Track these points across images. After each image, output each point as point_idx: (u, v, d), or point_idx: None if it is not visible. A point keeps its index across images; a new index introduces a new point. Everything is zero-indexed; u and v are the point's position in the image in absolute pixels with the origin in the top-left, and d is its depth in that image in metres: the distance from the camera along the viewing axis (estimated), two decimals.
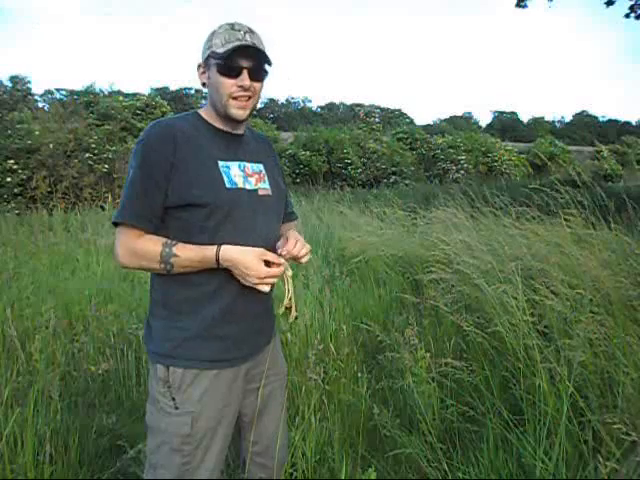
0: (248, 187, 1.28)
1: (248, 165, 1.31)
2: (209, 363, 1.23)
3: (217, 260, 1.17)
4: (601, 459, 1.39)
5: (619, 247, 2.66)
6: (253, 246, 1.24)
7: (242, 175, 1.28)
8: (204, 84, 1.27)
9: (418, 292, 3.56)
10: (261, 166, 1.35)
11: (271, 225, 1.34)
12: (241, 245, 1.22)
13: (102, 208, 9.59)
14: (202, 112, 1.31)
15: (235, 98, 1.23)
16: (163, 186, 1.18)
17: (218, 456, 1.27)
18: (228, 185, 1.23)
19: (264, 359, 1.39)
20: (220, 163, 1.24)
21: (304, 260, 1.31)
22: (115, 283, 4.53)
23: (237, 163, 1.28)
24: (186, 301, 1.24)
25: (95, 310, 3.25)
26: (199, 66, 1.27)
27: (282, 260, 1.22)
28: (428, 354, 2.26)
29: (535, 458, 1.61)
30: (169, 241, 1.19)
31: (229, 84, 1.21)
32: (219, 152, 1.26)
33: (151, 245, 1.18)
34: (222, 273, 1.22)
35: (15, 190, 10.40)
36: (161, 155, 1.18)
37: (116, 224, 1.21)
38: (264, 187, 1.33)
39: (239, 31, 1.21)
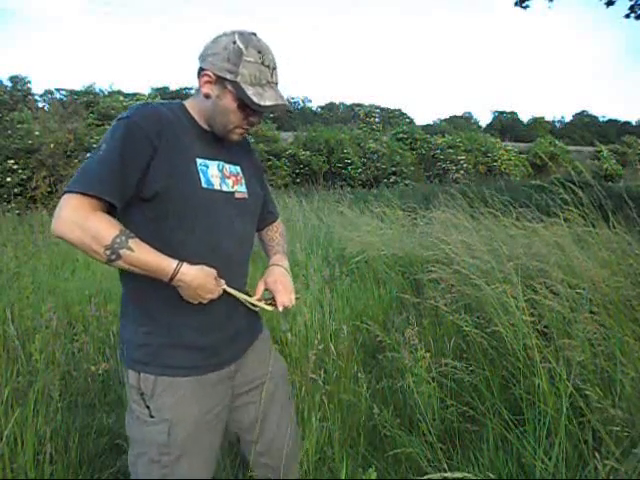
0: (225, 189, 1.24)
1: (227, 166, 1.27)
2: (184, 370, 1.19)
3: (172, 278, 1.10)
4: (599, 457, 1.39)
5: (619, 247, 2.66)
6: (227, 249, 1.22)
7: (220, 176, 1.23)
8: (207, 95, 1.19)
9: (418, 292, 3.56)
10: (238, 168, 1.32)
11: (247, 229, 1.31)
12: (216, 248, 1.20)
13: None
14: (189, 106, 1.24)
15: (242, 128, 1.23)
16: (142, 167, 1.09)
17: (203, 467, 1.21)
18: (204, 185, 1.18)
19: (251, 361, 1.35)
20: (199, 161, 1.19)
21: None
22: (115, 283, 4.52)
23: (216, 163, 1.24)
24: (162, 305, 1.18)
25: (95, 310, 3.25)
26: (203, 73, 1.18)
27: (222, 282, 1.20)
28: (428, 354, 2.26)
29: (535, 458, 1.61)
30: (127, 230, 1.08)
31: (241, 117, 1.20)
32: (199, 149, 1.21)
33: (105, 225, 1.05)
34: None
35: (15, 190, 10.40)
36: (147, 135, 1.10)
37: (70, 192, 1.07)
38: (241, 190, 1.29)
39: (268, 67, 1.17)
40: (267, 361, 1.41)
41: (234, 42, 1.15)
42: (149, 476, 1.15)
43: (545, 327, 2.22)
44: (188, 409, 1.17)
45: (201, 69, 1.19)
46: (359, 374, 2.45)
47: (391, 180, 17.09)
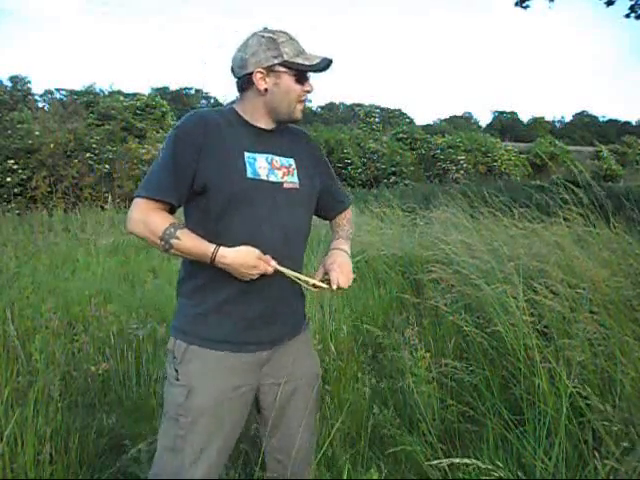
0: (273, 179, 1.30)
1: (277, 158, 1.33)
2: (215, 343, 1.26)
3: (212, 260, 1.21)
4: (599, 457, 1.39)
5: (619, 247, 2.66)
6: (270, 237, 1.27)
7: (268, 167, 1.30)
8: (266, 89, 1.29)
9: (418, 292, 3.56)
10: (291, 160, 1.37)
11: (296, 218, 1.34)
12: (257, 235, 1.25)
13: (102, 208, 9.60)
14: (239, 109, 1.35)
15: (301, 102, 1.34)
16: (192, 167, 1.23)
17: (219, 438, 1.26)
18: (250, 175, 1.26)
19: (288, 352, 1.36)
20: (246, 154, 1.28)
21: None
22: (115, 283, 4.53)
23: (265, 155, 1.31)
24: (207, 279, 1.28)
25: (95, 310, 3.25)
26: (256, 72, 1.28)
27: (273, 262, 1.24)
28: (428, 354, 2.26)
29: (535, 458, 1.61)
30: (177, 222, 1.23)
31: (299, 90, 1.31)
32: (247, 144, 1.30)
33: (160, 220, 1.22)
34: None
35: (15, 190, 10.42)
36: (192, 139, 1.24)
37: (138, 197, 1.25)
38: (291, 181, 1.34)
39: (296, 41, 1.32)
40: (307, 360, 1.44)
41: (262, 36, 1.28)
42: (168, 432, 1.26)
43: (545, 327, 2.22)
44: (212, 381, 1.25)
45: (247, 75, 1.29)
46: (359, 374, 2.45)
47: (391, 180, 17.11)
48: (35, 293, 3.94)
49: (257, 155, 1.30)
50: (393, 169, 17.59)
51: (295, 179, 1.35)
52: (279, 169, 1.33)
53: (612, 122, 61.88)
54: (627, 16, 8.72)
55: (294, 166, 1.37)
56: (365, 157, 17.71)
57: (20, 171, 10.53)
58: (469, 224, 3.81)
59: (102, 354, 2.81)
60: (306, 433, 1.42)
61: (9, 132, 11.18)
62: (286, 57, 1.27)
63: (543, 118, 57.13)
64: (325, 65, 1.31)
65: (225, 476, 1.88)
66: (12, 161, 10.55)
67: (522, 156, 22.38)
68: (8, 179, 10.36)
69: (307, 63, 1.28)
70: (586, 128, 56.92)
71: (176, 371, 1.26)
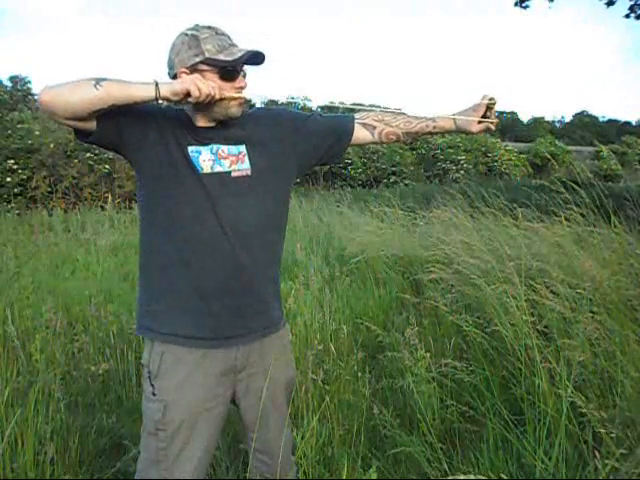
0: (219, 169, 1.26)
1: (224, 148, 1.28)
2: (188, 340, 1.24)
3: (156, 83, 1.15)
4: (599, 457, 1.39)
5: (620, 246, 2.66)
6: (215, 233, 1.24)
7: (213, 158, 1.26)
8: None
9: (418, 292, 3.56)
10: (241, 147, 1.31)
11: (249, 207, 1.29)
12: (202, 231, 1.24)
13: (102, 208, 9.58)
14: (185, 108, 1.31)
15: (235, 99, 1.26)
16: (152, 123, 1.22)
17: (202, 451, 1.26)
18: (193, 171, 1.24)
19: (266, 354, 1.34)
20: (190, 148, 1.25)
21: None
22: (115, 283, 4.53)
23: (209, 147, 1.27)
24: (157, 270, 1.27)
25: (95, 310, 3.25)
26: (179, 74, 1.23)
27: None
28: (428, 354, 2.26)
29: (535, 458, 1.61)
30: None
31: (229, 87, 1.24)
32: (191, 139, 1.26)
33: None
34: (195, 244, 1.24)
35: (15, 190, 10.38)
36: (153, 112, 1.24)
37: None
38: (240, 168, 1.28)
39: (224, 35, 1.26)
40: (282, 365, 1.40)
41: (186, 35, 1.24)
42: (150, 446, 1.25)
43: (545, 327, 2.22)
44: (186, 394, 1.24)
45: (175, 76, 1.26)
46: (359, 374, 2.45)
47: (391, 180, 17.09)
48: (35, 293, 3.94)
49: (201, 148, 1.26)
50: (393, 169, 17.56)
51: (245, 165, 1.29)
52: (226, 158, 1.27)
53: (612, 122, 61.85)
54: (627, 16, 8.70)
55: (245, 152, 1.30)
56: (365, 157, 17.69)
57: (20, 171, 10.50)
58: (469, 224, 3.80)
59: (102, 354, 2.81)
60: (285, 435, 1.41)
61: (9, 132, 11.16)
62: (207, 54, 1.21)
63: (543, 118, 57.09)
64: (250, 57, 1.23)
65: (225, 475, 1.88)
66: (12, 161, 10.51)
67: (522, 156, 22.34)
68: (8, 179, 10.32)
69: (229, 59, 1.21)
70: (586, 128, 56.80)
71: (152, 386, 1.24)
